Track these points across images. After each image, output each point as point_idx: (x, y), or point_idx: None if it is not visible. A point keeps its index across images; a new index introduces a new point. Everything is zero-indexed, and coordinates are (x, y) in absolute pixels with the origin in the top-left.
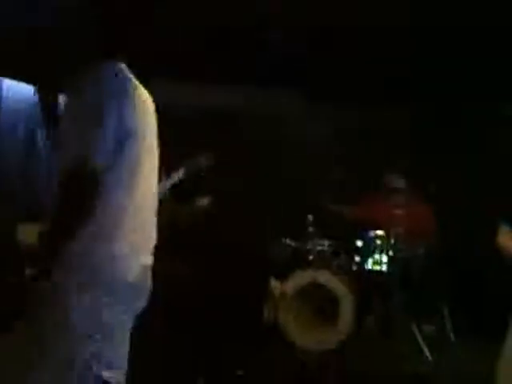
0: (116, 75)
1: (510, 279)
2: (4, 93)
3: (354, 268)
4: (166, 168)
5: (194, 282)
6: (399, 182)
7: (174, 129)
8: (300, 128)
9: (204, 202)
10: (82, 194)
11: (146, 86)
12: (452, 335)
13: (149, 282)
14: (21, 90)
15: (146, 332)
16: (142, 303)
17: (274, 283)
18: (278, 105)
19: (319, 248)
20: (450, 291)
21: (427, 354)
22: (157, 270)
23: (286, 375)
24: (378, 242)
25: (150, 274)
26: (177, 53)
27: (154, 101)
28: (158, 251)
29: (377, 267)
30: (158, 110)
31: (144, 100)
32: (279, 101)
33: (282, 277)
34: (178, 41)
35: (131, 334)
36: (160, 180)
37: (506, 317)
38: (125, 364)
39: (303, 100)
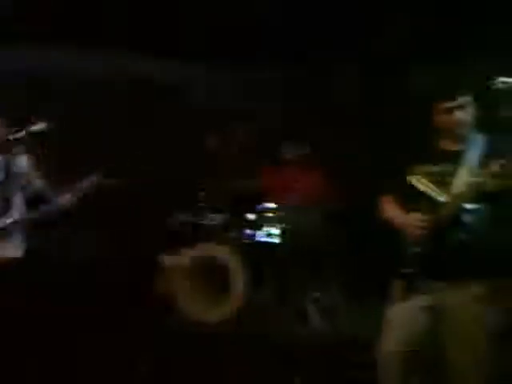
0: None
1: (394, 244)
2: None
3: (247, 241)
4: None
5: (87, 253)
6: (293, 150)
7: None
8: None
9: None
10: None
11: None
12: (342, 301)
13: None
14: None
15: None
16: None
17: (167, 257)
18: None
19: (212, 222)
20: (340, 258)
21: (318, 320)
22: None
23: (180, 347)
24: (270, 214)
25: None
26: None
27: None
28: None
29: (269, 239)
30: None
31: None
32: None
33: (175, 251)
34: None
35: None
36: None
37: (392, 282)
38: None
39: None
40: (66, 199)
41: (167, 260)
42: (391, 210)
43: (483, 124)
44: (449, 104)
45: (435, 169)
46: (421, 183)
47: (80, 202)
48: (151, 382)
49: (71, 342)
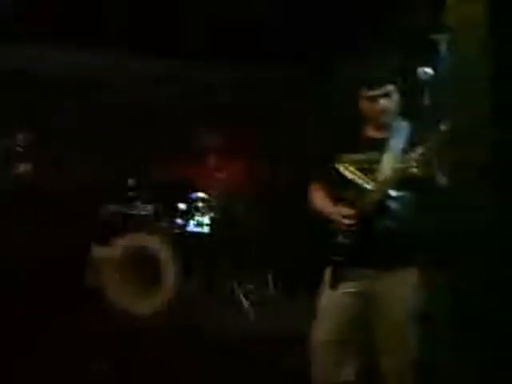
0: None
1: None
2: None
3: (177, 231)
4: None
5: (17, 245)
6: (214, 140)
7: None
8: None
9: (24, 168)
10: None
11: None
12: (273, 292)
13: None
14: None
15: None
16: None
17: (97, 248)
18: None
19: (142, 212)
20: (271, 248)
21: (249, 311)
22: None
23: (110, 340)
24: (200, 204)
25: None
26: None
27: None
28: None
29: (199, 229)
30: None
31: None
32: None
33: (105, 241)
34: None
35: None
36: None
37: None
38: None
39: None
40: None
41: (97, 251)
42: (319, 199)
43: (407, 112)
44: (373, 92)
45: (362, 157)
46: (348, 171)
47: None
48: (84, 376)
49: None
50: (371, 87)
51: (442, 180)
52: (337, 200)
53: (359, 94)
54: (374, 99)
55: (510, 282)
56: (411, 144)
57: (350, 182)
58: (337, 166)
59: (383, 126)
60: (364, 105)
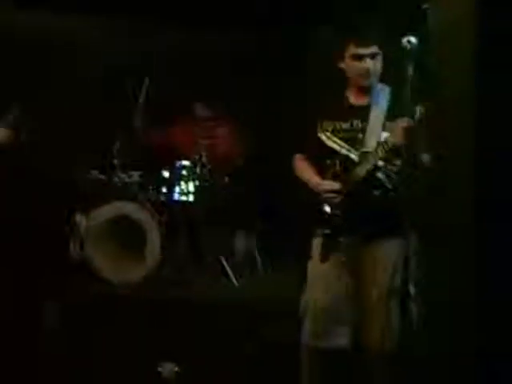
0: None
1: (310, 204)
2: None
3: (162, 199)
4: None
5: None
6: (205, 110)
7: None
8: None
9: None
10: None
11: None
12: (259, 261)
13: None
14: None
15: None
16: None
17: (80, 217)
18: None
19: (125, 180)
20: (257, 218)
21: (234, 280)
22: None
23: (94, 310)
24: (185, 172)
25: None
26: None
27: None
28: None
29: (184, 197)
30: None
31: None
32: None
33: (88, 210)
34: None
35: None
36: None
37: (310, 241)
38: None
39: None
40: None
41: (81, 220)
42: (304, 170)
43: (390, 78)
44: (362, 51)
45: (345, 125)
46: (331, 141)
47: None
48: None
49: None
50: (358, 45)
51: (424, 156)
52: (322, 171)
53: (343, 54)
54: (360, 58)
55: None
56: (394, 111)
57: (335, 152)
58: (319, 135)
59: (366, 91)
60: (349, 64)
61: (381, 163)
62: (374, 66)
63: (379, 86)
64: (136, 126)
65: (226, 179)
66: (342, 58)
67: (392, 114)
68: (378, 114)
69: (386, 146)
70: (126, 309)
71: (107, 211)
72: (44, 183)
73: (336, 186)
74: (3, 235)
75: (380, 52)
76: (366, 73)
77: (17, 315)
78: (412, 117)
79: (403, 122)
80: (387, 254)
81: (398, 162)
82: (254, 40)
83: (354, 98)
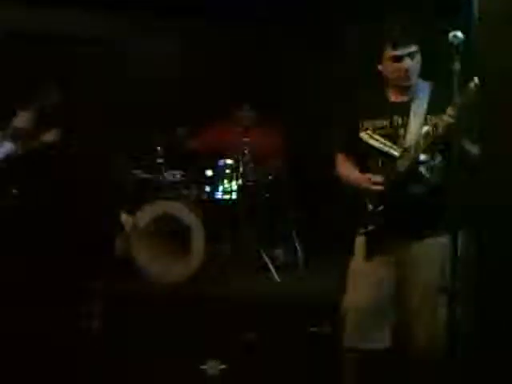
0: None
1: (353, 202)
2: None
3: (205, 198)
4: None
5: (45, 215)
6: (246, 110)
7: None
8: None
9: (50, 136)
10: None
11: None
12: (301, 258)
13: None
14: None
15: None
16: None
17: (125, 216)
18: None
19: (169, 179)
20: (299, 215)
21: (276, 277)
22: None
23: (142, 308)
24: (228, 170)
25: None
26: None
27: None
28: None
29: (227, 196)
30: None
31: None
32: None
33: (133, 209)
34: None
35: None
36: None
37: (352, 239)
38: None
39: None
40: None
41: (126, 219)
42: (346, 168)
43: (431, 74)
44: (399, 52)
45: (386, 122)
46: (373, 139)
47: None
48: (114, 346)
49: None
50: (395, 47)
51: (470, 146)
52: (364, 169)
53: (381, 56)
54: (399, 59)
55: None
56: (435, 106)
57: (377, 149)
58: (360, 134)
59: (406, 89)
60: (387, 66)
61: (423, 157)
62: (413, 64)
63: (420, 81)
64: (180, 126)
65: (269, 178)
66: (380, 61)
67: (436, 108)
68: (418, 109)
69: (427, 140)
70: (169, 307)
71: (152, 210)
72: (90, 183)
73: (379, 179)
74: (50, 234)
75: (417, 49)
76: (406, 73)
77: (60, 313)
78: (458, 109)
79: (448, 115)
80: (434, 252)
81: (440, 158)
82: (296, 42)
83: (394, 97)
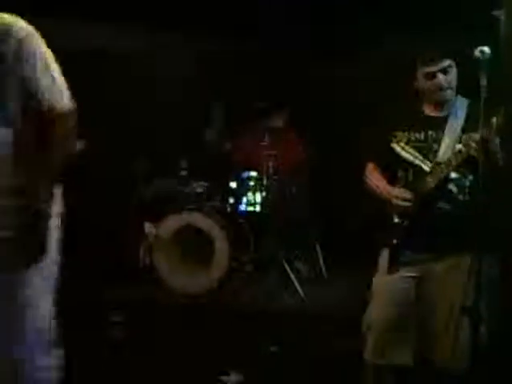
0: None
1: (378, 214)
2: None
3: (229, 209)
4: None
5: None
6: (275, 122)
7: None
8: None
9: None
10: None
11: None
12: (324, 271)
13: None
14: None
15: None
16: None
17: (149, 227)
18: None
19: (193, 191)
20: (322, 228)
21: (300, 290)
22: None
23: (163, 318)
24: (252, 183)
25: None
26: None
27: None
28: None
29: (251, 208)
30: None
31: None
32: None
33: (157, 220)
34: None
35: None
36: None
37: (376, 252)
38: None
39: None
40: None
41: (150, 230)
42: (375, 179)
43: (466, 90)
44: (431, 68)
45: (420, 136)
46: (405, 151)
47: None
48: (138, 354)
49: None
50: (428, 63)
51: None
52: (393, 181)
53: (415, 74)
54: (431, 76)
55: None
56: (472, 124)
57: (408, 162)
58: (393, 145)
59: (442, 104)
60: (421, 82)
61: (454, 175)
62: (447, 79)
63: (458, 97)
64: (206, 138)
65: (294, 189)
66: (415, 78)
67: (474, 126)
68: (454, 125)
69: (459, 158)
70: (191, 318)
71: (176, 221)
72: (115, 193)
73: (407, 194)
74: (74, 244)
75: (451, 64)
76: (440, 88)
77: (84, 323)
78: (487, 129)
79: (481, 133)
80: (459, 270)
81: (472, 177)
82: (328, 55)
83: (429, 111)
